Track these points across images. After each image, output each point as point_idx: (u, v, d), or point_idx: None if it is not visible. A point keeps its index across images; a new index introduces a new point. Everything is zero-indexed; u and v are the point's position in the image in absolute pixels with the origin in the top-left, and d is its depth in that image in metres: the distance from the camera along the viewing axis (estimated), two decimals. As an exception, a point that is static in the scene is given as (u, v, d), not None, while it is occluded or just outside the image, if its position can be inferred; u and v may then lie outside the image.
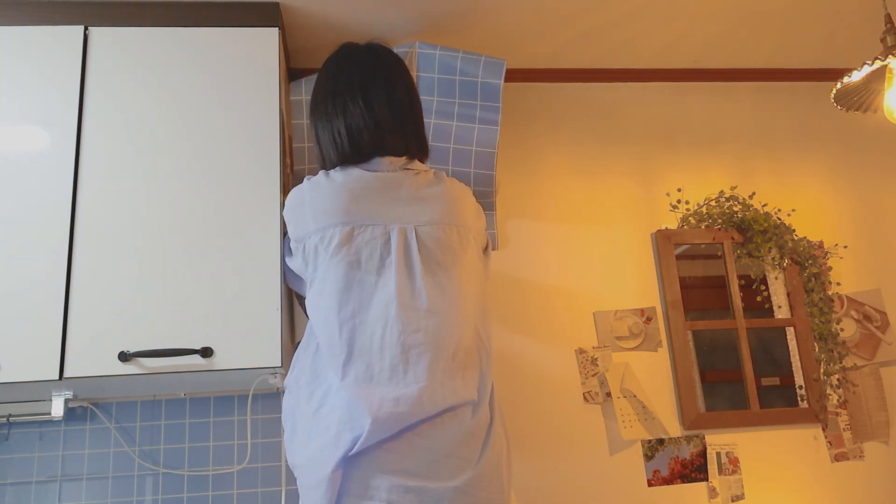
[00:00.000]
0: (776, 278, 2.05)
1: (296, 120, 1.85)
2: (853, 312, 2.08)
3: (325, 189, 1.33)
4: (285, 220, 1.42)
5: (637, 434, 1.88)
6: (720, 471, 1.89)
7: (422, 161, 1.42)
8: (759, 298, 2.02)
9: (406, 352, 1.20)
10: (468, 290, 1.30)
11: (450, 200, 1.36)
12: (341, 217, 1.29)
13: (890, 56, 1.57)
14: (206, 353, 1.43)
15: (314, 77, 1.52)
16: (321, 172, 1.39)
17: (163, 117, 1.57)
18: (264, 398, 1.78)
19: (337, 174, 1.35)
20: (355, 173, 1.34)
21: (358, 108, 1.34)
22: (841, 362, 2.00)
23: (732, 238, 2.05)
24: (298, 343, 1.81)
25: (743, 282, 2.02)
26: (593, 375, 1.92)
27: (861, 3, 1.88)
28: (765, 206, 2.10)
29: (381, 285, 1.25)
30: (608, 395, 1.90)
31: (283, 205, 1.59)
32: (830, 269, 2.08)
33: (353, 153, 1.35)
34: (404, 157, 1.37)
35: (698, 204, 2.09)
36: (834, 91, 1.72)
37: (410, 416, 1.16)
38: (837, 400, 1.99)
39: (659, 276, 2.03)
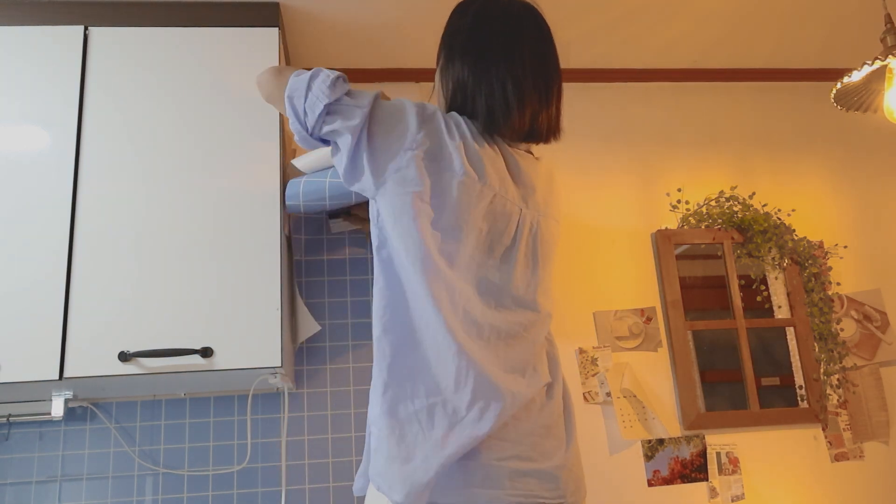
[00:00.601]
0: (776, 278, 2.05)
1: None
2: (853, 312, 2.08)
3: (477, 146, 1.11)
4: (411, 116, 1.09)
5: (637, 434, 1.88)
6: (720, 471, 1.89)
7: (552, 141, 1.25)
8: (759, 298, 2.02)
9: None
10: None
11: (560, 196, 1.29)
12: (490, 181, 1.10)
13: (890, 56, 1.57)
14: (206, 353, 1.43)
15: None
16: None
17: (163, 117, 1.57)
18: (264, 398, 1.78)
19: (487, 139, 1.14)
20: (504, 149, 1.16)
21: (508, 81, 1.12)
22: (841, 362, 2.00)
23: (732, 238, 2.05)
24: (302, 344, 1.81)
25: (743, 282, 2.02)
26: (593, 375, 1.92)
27: (861, 3, 1.88)
28: (765, 206, 2.10)
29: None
30: (608, 395, 1.90)
31: (283, 205, 1.59)
32: (830, 269, 2.08)
33: (496, 127, 1.14)
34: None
35: (698, 204, 2.09)
36: (834, 91, 1.72)
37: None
38: (837, 400, 1.99)
39: (659, 276, 2.03)
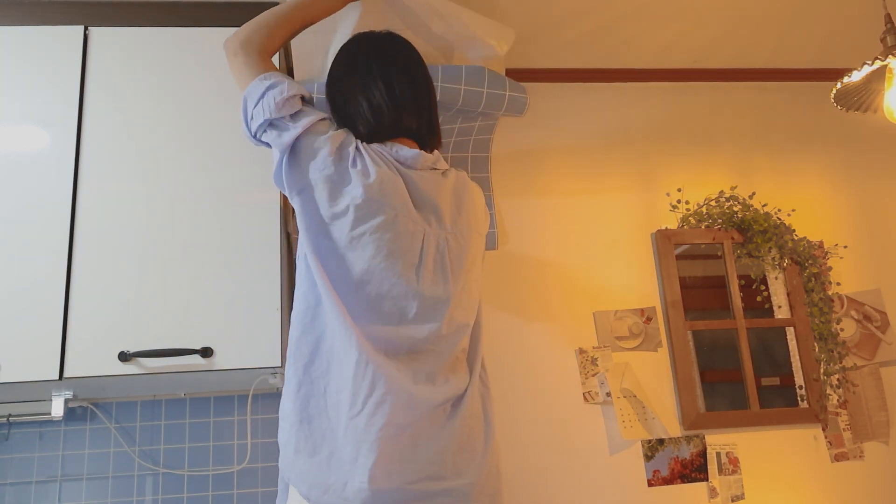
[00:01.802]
0: (776, 278, 2.05)
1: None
2: (853, 312, 2.08)
3: (377, 169, 1.22)
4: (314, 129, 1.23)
5: (637, 434, 1.88)
6: (720, 471, 1.89)
7: (435, 149, 1.35)
8: (759, 298, 2.02)
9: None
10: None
11: (475, 207, 1.34)
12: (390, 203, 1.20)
13: (890, 56, 1.57)
14: (206, 353, 1.43)
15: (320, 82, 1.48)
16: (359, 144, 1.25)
17: (163, 117, 1.57)
18: (264, 398, 1.78)
19: (378, 160, 1.23)
20: (398, 170, 1.25)
21: (378, 88, 1.27)
22: (841, 362, 2.00)
23: (732, 238, 2.05)
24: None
25: (743, 282, 2.02)
26: (593, 375, 1.92)
27: (861, 3, 1.88)
28: (765, 206, 2.10)
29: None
30: (608, 395, 1.90)
31: (283, 204, 1.59)
32: (830, 269, 2.08)
33: (376, 131, 1.26)
34: (431, 155, 1.30)
35: (698, 204, 2.09)
36: (834, 91, 1.72)
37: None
38: (837, 400, 1.99)
39: (659, 276, 2.03)
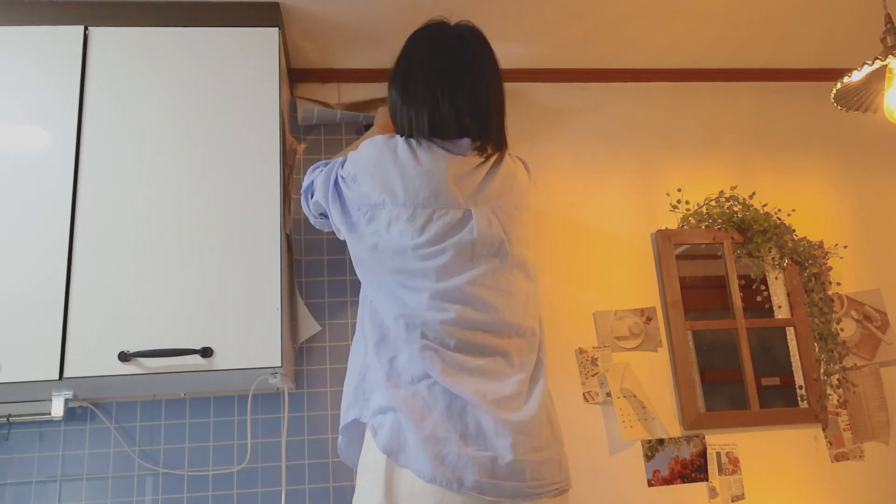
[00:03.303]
0: (776, 278, 2.05)
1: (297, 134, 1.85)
2: (853, 312, 2.08)
3: (417, 163, 1.34)
4: (357, 168, 1.38)
5: (637, 434, 1.88)
6: (720, 471, 1.89)
7: (498, 150, 1.43)
8: (759, 298, 2.02)
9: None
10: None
11: (520, 182, 1.44)
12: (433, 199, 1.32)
13: (890, 56, 1.57)
14: (206, 353, 1.43)
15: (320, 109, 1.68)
16: (405, 141, 1.37)
17: (163, 117, 1.57)
18: (264, 398, 1.78)
19: (424, 153, 1.35)
20: (440, 154, 1.35)
21: (445, 100, 1.34)
22: (841, 362, 2.00)
23: (732, 238, 2.05)
24: (302, 344, 1.81)
25: (743, 282, 2.02)
26: (593, 375, 1.92)
27: (861, 3, 1.88)
28: (765, 206, 2.10)
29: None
30: (608, 395, 1.90)
31: (283, 203, 1.59)
32: (830, 269, 2.08)
33: (431, 134, 1.36)
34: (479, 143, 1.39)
35: (698, 204, 2.09)
36: (834, 91, 1.71)
37: None
38: (837, 400, 1.99)
39: (659, 276, 2.03)
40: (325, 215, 1.49)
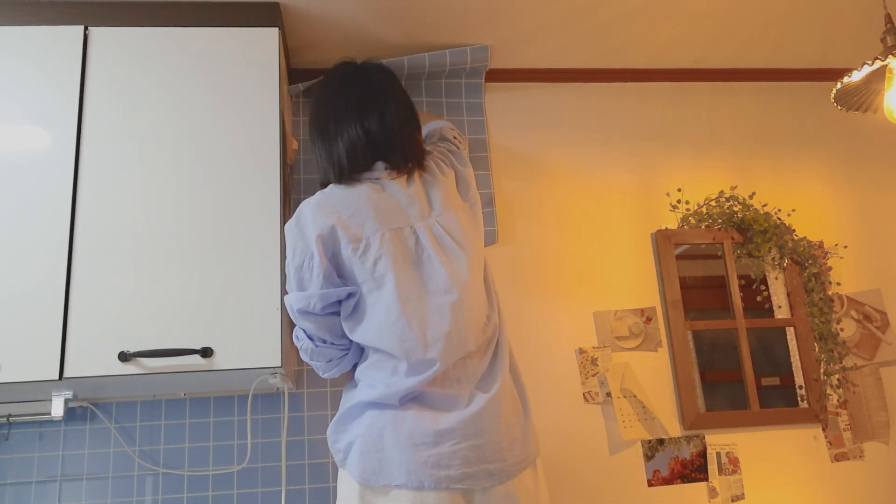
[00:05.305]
0: (776, 278, 2.05)
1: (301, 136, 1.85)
2: (853, 312, 2.08)
3: (341, 201, 1.43)
4: (293, 249, 1.42)
5: (637, 434, 1.88)
6: (720, 471, 1.89)
7: (418, 167, 1.52)
8: (759, 298, 2.02)
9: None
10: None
11: (446, 185, 1.51)
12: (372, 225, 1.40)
13: (890, 56, 1.57)
14: (206, 353, 1.43)
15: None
16: (319, 193, 1.46)
17: (163, 117, 1.57)
18: (264, 398, 1.78)
19: (338, 190, 1.45)
20: (361, 187, 1.45)
21: (355, 131, 1.44)
22: (841, 362, 2.00)
23: (732, 238, 2.05)
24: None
25: (743, 282, 2.02)
26: (593, 375, 1.92)
27: (861, 3, 1.88)
28: (765, 206, 2.10)
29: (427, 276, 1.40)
30: (608, 395, 1.90)
31: (282, 203, 1.59)
32: (830, 269, 2.08)
33: (351, 169, 1.45)
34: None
35: (698, 204, 2.09)
36: (834, 91, 1.71)
37: None
38: (837, 400, 1.99)
39: (659, 276, 2.03)
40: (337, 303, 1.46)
